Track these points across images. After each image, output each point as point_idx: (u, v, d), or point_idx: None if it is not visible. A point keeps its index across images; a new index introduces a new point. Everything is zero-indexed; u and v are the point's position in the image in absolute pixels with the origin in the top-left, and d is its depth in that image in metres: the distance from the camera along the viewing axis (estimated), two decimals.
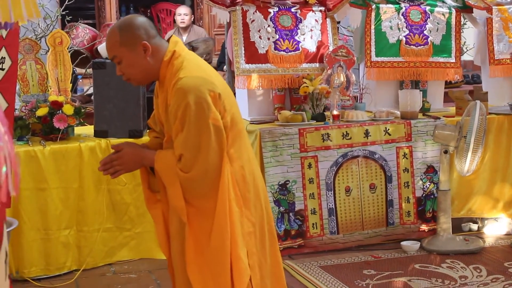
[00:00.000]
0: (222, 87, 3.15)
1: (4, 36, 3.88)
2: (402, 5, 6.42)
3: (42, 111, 5.15)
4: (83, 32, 7.11)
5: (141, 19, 3.24)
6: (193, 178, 3.05)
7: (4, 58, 3.93)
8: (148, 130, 3.61)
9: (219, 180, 3.08)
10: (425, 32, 6.41)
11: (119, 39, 3.14)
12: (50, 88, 5.65)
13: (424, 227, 5.97)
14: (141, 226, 5.42)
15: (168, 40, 3.25)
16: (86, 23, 7.55)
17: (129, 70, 3.18)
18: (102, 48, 6.11)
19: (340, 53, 6.07)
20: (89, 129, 5.55)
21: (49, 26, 6.82)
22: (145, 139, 4.95)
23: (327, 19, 6.22)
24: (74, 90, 6.84)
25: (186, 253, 3.13)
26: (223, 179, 3.09)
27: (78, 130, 5.53)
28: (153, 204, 3.36)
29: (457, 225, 6.06)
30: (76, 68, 7.06)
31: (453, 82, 7.38)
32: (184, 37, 9.38)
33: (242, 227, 3.16)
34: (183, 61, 3.16)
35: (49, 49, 5.70)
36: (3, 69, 3.92)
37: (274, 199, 5.53)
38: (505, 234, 6.04)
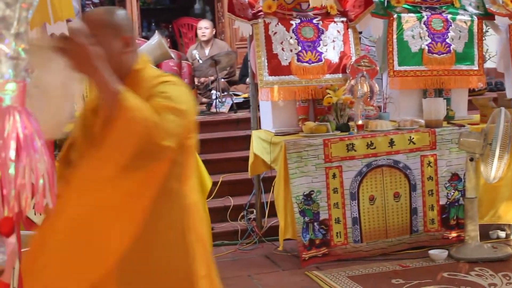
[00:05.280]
0: None
1: None
2: (424, 14, 6.42)
3: None
4: None
5: (127, 15, 2.84)
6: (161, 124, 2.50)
7: None
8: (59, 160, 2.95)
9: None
10: (447, 40, 6.40)
11: (107, 19, 2.70)
12: None
13: (448, 234, 5.96)
14: None
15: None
16: None
17: None
18: None
19: (362, 63, 6.08)
20: None
21: None
22: None
23: (349, 29, 6.24)
24: None
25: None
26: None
27: None
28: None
29: (485, 233, 6.03)
30: None
31: (476, 89, 7.38)
32: (207, 51, 9.43)
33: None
34: (161, 72, 2.82)
35: None
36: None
37: (299, 209, 5.54)
38: None
